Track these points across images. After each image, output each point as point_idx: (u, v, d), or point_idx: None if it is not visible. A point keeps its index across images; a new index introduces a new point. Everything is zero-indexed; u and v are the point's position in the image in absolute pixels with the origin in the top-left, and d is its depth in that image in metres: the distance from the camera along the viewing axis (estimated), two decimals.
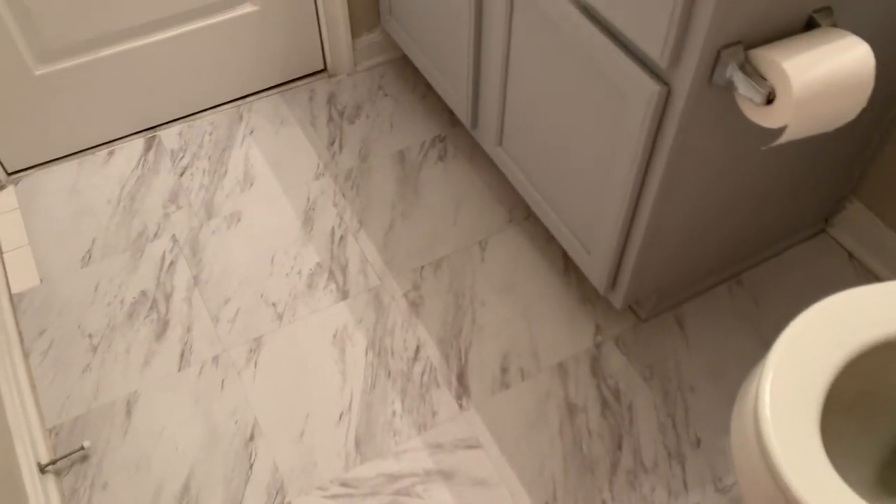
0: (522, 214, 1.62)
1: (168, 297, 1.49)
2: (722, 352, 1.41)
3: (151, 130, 1.79)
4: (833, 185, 1.44)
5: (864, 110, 1.29)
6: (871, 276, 1.50)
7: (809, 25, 1.01)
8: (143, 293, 1.50)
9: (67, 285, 1.51)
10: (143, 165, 1.72)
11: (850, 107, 0.98)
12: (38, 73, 1.58)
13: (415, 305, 1.47)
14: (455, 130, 1.78)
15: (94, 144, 1.75)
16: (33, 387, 1.37)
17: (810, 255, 1.54)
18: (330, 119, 1.81)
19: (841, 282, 1.50)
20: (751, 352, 1.41)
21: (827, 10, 1.00)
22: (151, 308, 1.47)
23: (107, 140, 1.76)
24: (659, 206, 1.16)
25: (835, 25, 1.00)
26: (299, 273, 1.53)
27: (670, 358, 1.40)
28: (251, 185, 1.68)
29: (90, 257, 1.55)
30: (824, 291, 1.48)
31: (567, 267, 1.53)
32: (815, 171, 1.35)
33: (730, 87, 0.98)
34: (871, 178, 1.45)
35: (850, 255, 1.53)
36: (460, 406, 1.35)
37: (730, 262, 1.46)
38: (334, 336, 1.43)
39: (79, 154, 1.74)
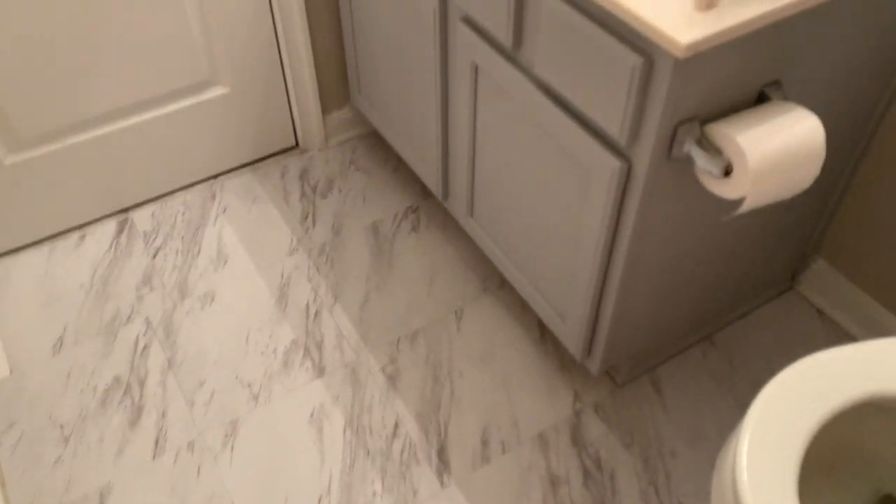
0: (497, 283, 1.64)
1: (142, 382, 1.47)
2: (700, 414, 1.41)
3: (124, 212, 1.79)
4: (796, 243, 1.47)
5: (819, 174, 1.33)
6: (840, 333, 1.53)
7: (761, 99, 1.05)
8: (117, 379, 1.48)
9: (38, 375, 1.49)
10: (115, 248, 1.71)
11: (805, 176, 1.01)
12: (7, 162, 1.59)
13: (392, 380, 1.47)
14: (427, 201, 1.81)
15: (65, 229, 1.74)
16: (2, 483, 1.34)
17: (780, 312, 1.56)
18: (303, 194, 1.83)
19: (812, 339, 1.52)
20: (728, 413, 1.41)
21: (777, 84, 1.05)
22: (125, 394, 1.45)
23: (78, 224, 1.76)
24: (628, 273, 1.18)
25: (785, 99, 1.04)
26: (274, 351, 1.52)
27: (649, 423, 1.40)
28: (225, 263, 1.68)
29: (62, 345, 1.53)
30: (797, 349, 1.50)
31: (543, 334, 1.54)
32: (778, 231, 1.39)
33: (689, 160, 1.01)
34: (832, 235, 1.49)
35: (819, 311, 1.56)
36: (441, 483, 1.33)
37: (701, 323, 1.48)
38: (311, 415, 1.42)
39: (50, 239, 1.73)
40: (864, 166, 1.37)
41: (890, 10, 1.09)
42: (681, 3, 0.91)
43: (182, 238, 1.73)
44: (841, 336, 1.52)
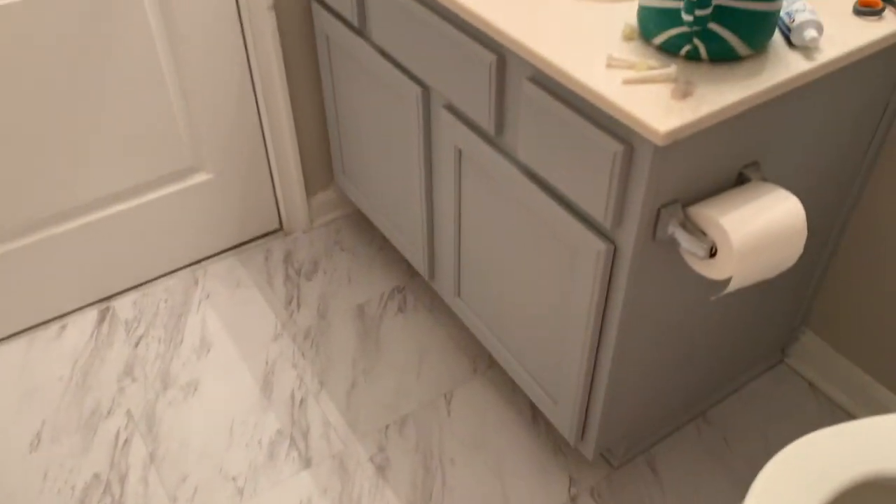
0: (486, 364, 1.62)
1: (123, 479, 1.42)
2: (698, 494, 1.38)
3: (105, 301, 1.77)
4: (784, 317, 1.47)
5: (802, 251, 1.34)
6: (833, 405, 1.51)
7: (740, 180, 1.07)
8: (96, 476, 1.42)
9: (14, 474, 1.43)
10: (96, 338, 1.68)
11: (789, 255, 1.02)
12: None
13: (381, 469, 1.43)
14: (414, 281, 1.80)
15: (45, 319, 1.71)
16: None
17: (772, 386, 1.55)
18: (287, 277, 1.82)
19: (805, 412, 1.50)
20: (726, 492, 1.38)
21: (755, 165, 1.06)
22: (105, 492, 1.40)
23: (59, 314, 1.73)
24: (619, 354, 1.16)
25: (764, 179, 1.06)
26: (259, 442, 1.48)
27: None
28: (208, 351, 1.65)
29: (39, 441, 1.49)
30: (790, 423, 1.48)
31: (535, 416, 1.52)
32: (766, 306, 1.39)
33: (673, 242, 1.02)
34: (818, 308, 1.49)
35: (811, 384, 1.55)
36: None
37: (694, 400, 1.46)
38: None
39: (29, 330, 1.70)
40: (846, 239, 1.39)
41: (861, 92, 1.12)
42: (657, 93, 0.93)
43: (164, 326, 1.70)
44: (833, 409, 1.51)
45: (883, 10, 1.05)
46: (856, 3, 1.06)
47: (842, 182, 1.27)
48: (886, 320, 1.38)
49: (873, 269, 1.36)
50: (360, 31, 1.46)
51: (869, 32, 1.02)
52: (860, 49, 1.00)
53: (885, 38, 1.02)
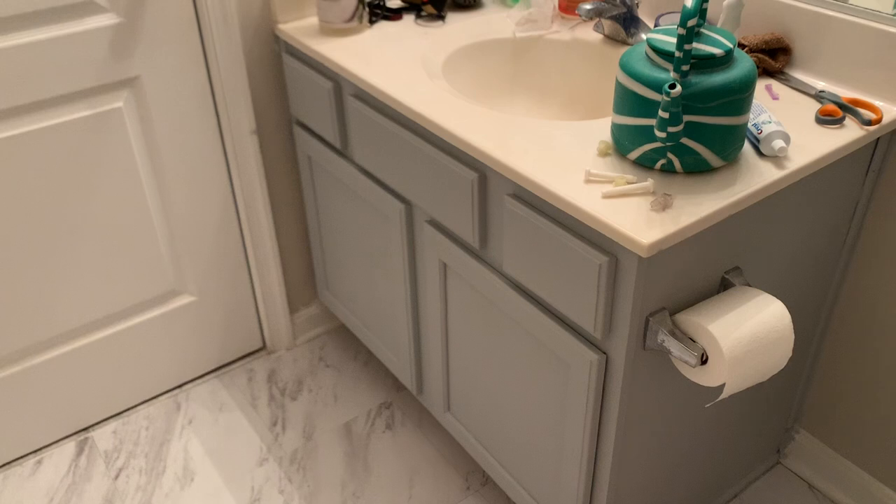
0: (480, 480, 1.57)
1: None
2: None
3: (83, 432, 1.71)
4: (777, 417, 1.46)
5: None
6: None
7: (724, 285, 1.08)
8: None
9: None
10: (74, 472, 1.61)
11: (779, 359, 1.02)
12: None
13: None
14: (401, 395, 1.77)
15: (20, 455, 1.65)
16: None
17: (771, 489, 1.52)
18: (271, 398, 1.78)
19: None
20: None
21: (737, 270, 1.08)
22: None
23: (34, 448, 1.66)
24: (617, 463, 1.14)
25: (746, 283, 1.08)
26: None
27: None
28: (192, 480, 1.59)
29: None
30: None
31: None
32: (759, 407, 1.38)
33: (664, 350, 1.02)
34: (810, 406, 1.49)
35: (809, 485, 1.52)
36: None
37: None
38: None
39: (3, 467, 1.63)
40: (830, 336, 1.40)
41: (830, 194, 1.16)
42: (637, 205, 0.95)
43: (146, 455, 1.64)
44: None
45: (843, 118, 1.10)
46: (817, 112, 1.11)
47: (821, 281, 1.29)
48: (876, 415, 1.37)
49: (859, 364, 1.37)
50: (342, 152, 1.50)
51: (833, 140, 1.07)
52: (826, 156, 1.05)
53: (848, 145, 1.07)
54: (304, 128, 1.61)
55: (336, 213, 1.62)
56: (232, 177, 1.67)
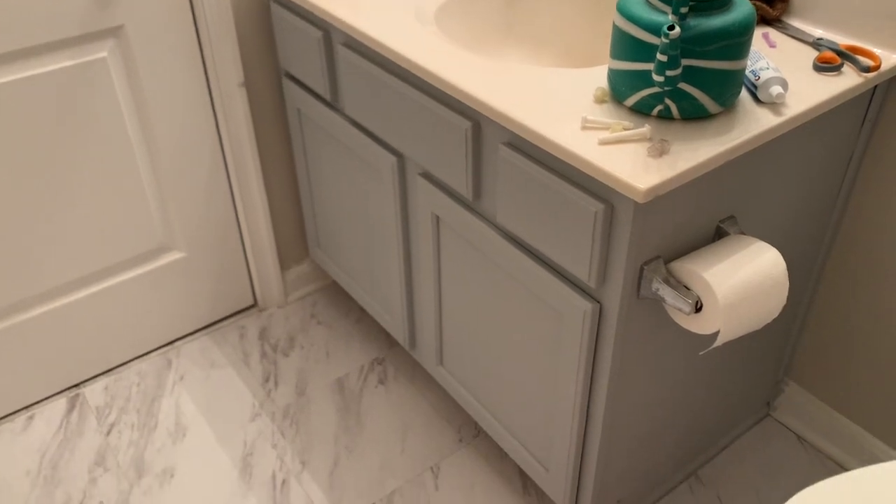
0: (472, 432, 1.58)
1: None
2: None
3: (75, 388, 1.70)
4: (768, 369, 1.47)
5: None
6: (822, 457, 1.50)
7: (718, 234, 1.08)
8: None
9: None
10: (65, 428, 1.61)
11: (773, 306, 1.02)
12: None
13: None
14: (393, 351, 1.77)
15: (11, 411, 1.64)
16: None
17: (760, 441, 1.53)
18: (263, 355, 1.77)
19: (795, 464, 1.49)
20: None
21: (731, 219, 1.08)
22: None
23: (25, 405, 1.66)
24: (610, 414, 1.15)
25: (741, 232, 1.07)
26: None
27: None
28: (184, 435, 1.59)
29: None
30: (781, 477, 1.47)
31: (526, 484, 1.48)
32: (750, 359, 1.39)
33: (658, 298, 1.02)
34: (800, 359, 1.50)
35: (798, 436, 1.54)
36: None
37: (685, 459, 1.44)
38: None
39: None
40: (822, 289, 1.41)
41: (826, 143, 1.15)
42: (634, 152, 0.94)
43: (137, 411, 1.64)
44: (823, 460, 1.49)
45: (841, 65, 1.09)
46: (815, 60, 1.09)
47: (815, 231, 1.29)
48: (868, 368, 1.38)
49: (850, 317, 1.38)
50: (333, 105, 1.47)
51: (830, 87, 1.06)
52: (824, 103, 1.04)
53: (845, 92, 1.06)
54: (294, 80, 1.58)
55: (327, 168, 1.60)
56: (220, 131, 1.64)
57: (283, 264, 1.88)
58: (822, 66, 1.09)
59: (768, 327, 1.37)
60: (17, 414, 1.65)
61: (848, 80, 1.07)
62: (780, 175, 1.11)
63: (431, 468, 1.51)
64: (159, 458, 1.54)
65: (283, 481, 1.49)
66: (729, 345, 1.30)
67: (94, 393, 1.69)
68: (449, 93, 1.11)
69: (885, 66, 1.10)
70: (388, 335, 1.82)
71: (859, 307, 1.36)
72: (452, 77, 1.11)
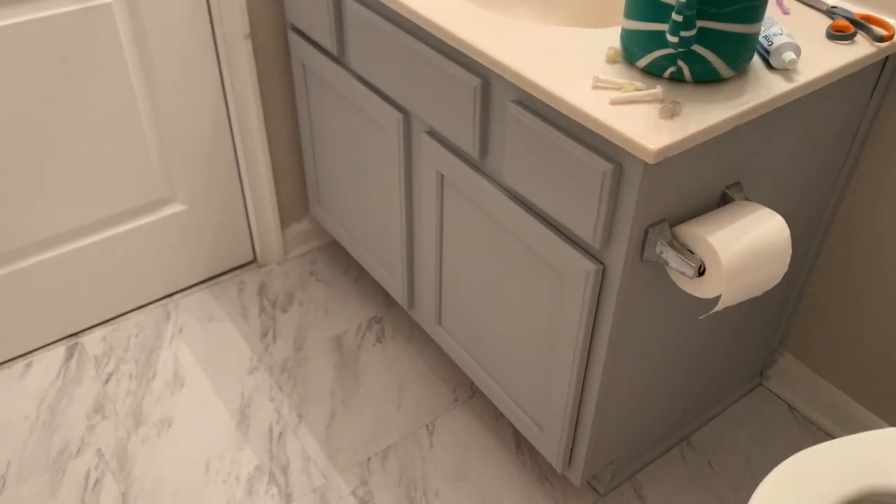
0: (468, 392, 1.59)
1: None
2: None
3: (73, 337, 1.71)
4: (763, 339, 1.48)
5: None
6: (812, 427, 1.52)
7: (724, 200, 1.08)
8: None
9: None
10: (63, 375, 1.62)
11: (775, 273, 1.03)
12: None
13: (364, 503, 1.39)
14: (392, 311, 1.78)
15: (9, 357, 1.65)
16: None
17: (752, 409, 1.55)
18: (262, 310, 1.78)
19: (786, 434, 1.51)
20: None
21: (737, 185, 1.08)
22: None
23: (24, 351, 1.66)
24: (608, 376, 1.16)
25: (746, 199, 1.07)
26: (237, 479, 1.43)
27: None
28: (182, 386, 1.60)
29: (4, 483, 1.41)
30: (772, 446, 1.49)
31: (520, 445, 1.49)
32: (746, 327, 1.40)
33: (662, 261, 1.02)
34: (795, 330, 1.51)
35: (790, 406, 1.56)
36: None
37: (678, 425, 1.46)
38: None
39: None
40: (820, 260, 1.41)
41: (835, 113, 1.15)
42: (645, 112, 0.94)
43: (136, 362, 1.65)
44: (813, 430, 1.51)
45: (855, 34, 1.08)
46: (828, 28, 1.09)
47: (818, 202, 1.29)
48: (862, 340, 1.40)
49: (848, 289, 1.39)
50: (339, 59, 1.46)
51: (843, 55, 1.05)
52: (836, 71, 1.03)
53: (858, 61, 1.05)
54: (300, 33, 1.56)
55: (330, 125, 1.59)
56: (224, 83, 1.63)
57: (284, 221, 1.87)
58: (836, 35, 1.08)
59: (766, 297, 1.38)
60: (15, 360, 1.65)
61: (860, 49, 1.07)
62: (788, 143, 1.11)
63: (427, 426, 1.53)
64: (157, 408, 1.55)
65: (280, 434, 1.51)
66: (726, 313, 1.31)
67: (92, 342, 1.70)
68: (459, 48, 1.10)
69: None
70: (386, 294, 1.82)
71: (858, 280, 1.37)
72: (463, 33, 1.10)
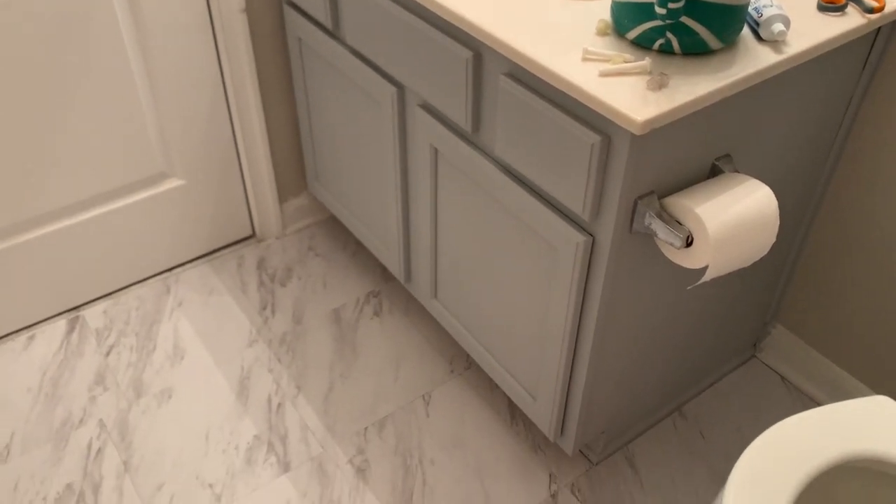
0: (464, 364, 1.62)
1: (96, 488, 1.39)
2: (676, 488, 1.39)
3: (74, 310, 1.73)
4: (755, 312, 1.50)
5: (773, 243, 1.37)
6: (805, 398, 1.54)
7: (713, 172, 1.09)
8: (69, 486, 1.39)
9: None
10: (65, 348, 1.65)
11: (762, 244, 1.04)
12: None
13: (361, 472, 1.42)
14: (389, 285, 1.80)
15: (12, 330, 1.67)
16: None
17: (745, 381, 1.57)
18: (261, 284, 1.80)
19: (778, 406, 1.53)
20: (704, 485, 1.40)
21: (727, 157, 1.09)
22: (78, 502, 1.37)
23: (26, 325, 1.69)
24: (598, 347, 1.18)
25: (736, 171, 1.08)
26: (236, 448, 1.46)
27: (626, 500, 1.38)
28: (182, 358, 1.62)
29: (9, 453, 1.45)
30: (764, 417, 1.51)
31: (514, 415, 1.52)
32: (738, 300, 1.41)
33: (650, 233, 1.04)
34: (788, 302, 1.53)
35: (783, 378, 1.58)
36: None
37: (670, 395, 1.48)
38: None
39: None
40: (813, 233, 1.42)
41: (826, 85, 1.15)
42: (633, 84, 0.94)
43: (136, 334, 1.68)
44: (805, 401, 1.53)
45: (845, 6, 1.08)
46: (819, 0, 1.09)
47: (809, 175, 1.30)
48: (855, 312, 1.41)
49: (840, 262, 1.40)
50: (333, 33, 1.46)
51: (833, 27, 1.05)
52: (826, 42, 1.03)
53: (848, 33, 1.06)
54: (295, 7, 1.56)
55: (326, 100, 1.59)
56: (221, 58, 1.63)
57: (282, 196, 1.89)
58: (826, 6, 1.08)
59: (758, 269, 1.39)
60: (18, 333, 1.68)
61: (851, 20, 1.07)
62: (778, 115, 1.12)
63: (423, 397, 1.55)
64: (158, 379, 1.58)
65: (279, 404, 1.53)
66: (718, 284, 1.32)
67: (93, 315, 1.72)
68: (451, 21, 1.11)
69: (889, 7, 1.09)
70: (383, 269, 1.84)
71: (850, 252, 1.38)
72: (455, 5, 1.10)
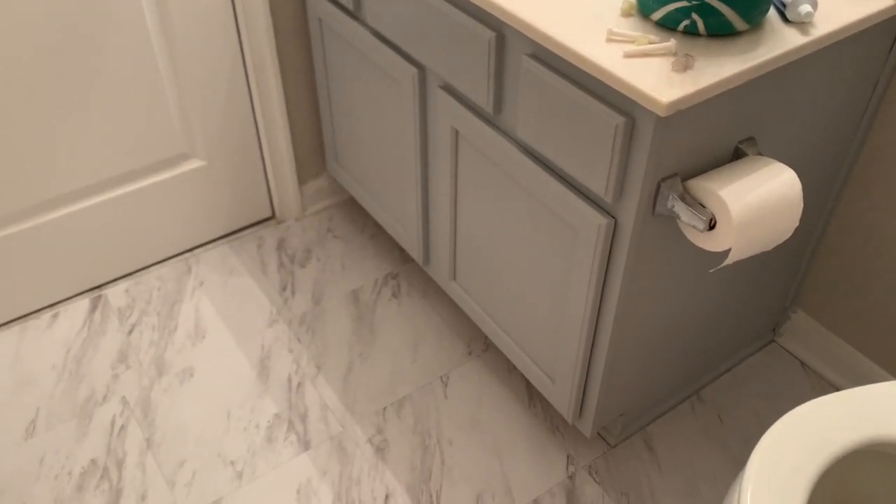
0: (481, 346, 1.62)
1: (120, 464, 1.41)
2: (693, 471, 1.40)
3: (97, 290, 1.75)
4: (776, 296, 1.49)
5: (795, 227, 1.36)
6: (824, 383, 1.54)
7: (737, 155, 1.08)
8: (93, 462, 1.42)
9: (10, 461, 1.42)
10: (89, 326, 1.67)
11: (786, 227, 1.04)
12: None
13: (380, 451, 1.43)
14: (407, 267, 1.80)
15: (36, 308, 1.70)
16: None
17: (764, 366, 1.57)
18: (280, 265, 1.81)
19: (797, 390, 1.52)
20: (721, 469, 1.40)
21: (751, 140, 1.08)
22: (102, 477, 1.39)
23: (50, 303, 1.71)
24: (618, 331, 1.18)
25: (759, 154, 1.07)
26: (257, 426, 1.47)
27: (644, 482, 1.38)
28: (203, 338, 1.64)
29: (34, 428, 1.47)
30: (782, 401, 1.51)
31: (532, 397, 1.53)
32: (759, 284, 1.41)
33: (673, 215, 1.03)
34: (809, 287, 1.52)
35: (802, 363, 1.57)
36: None
37: (689, 379, 1.48)
38: (298, 492, 1.37)
39: (20, 319, 1.68)
40: (835, 218, 1.41)
41: (852, 68, 1.14)
42: (658, 66, 0.94)
43: (158, 314, 1.69)
44: (825, 386, 1.53)
45: None
46: None
47: (833, 159, 1.29)
48: (876, 298, 1.40)
49: (863, 246, 1.39)
50: (354, 14, 1.46)
51: (861, 8, 1.04)
52: (853, 24, 1.02)
53: (876, 14, 1.04)
54: None
55: (346, 81, 1.59)
56: (241, 39, 1.63)
57: (301, 178, 1.89)
58: None
59: (779, 253, 1.38)
60: (42, 311, 1.70)
61: (879, 2, 1.05)
62: (803, 98, 1.11)
63: (441, 378, 1.56)
64: (179, 358, 1.60)
65: (299, 384, 1.55)
66: (739, 268, 1.32)
67: (115, 295, 1.74)
68: (474, 1, 1.10)
69: None
70: (402, 251, 1.85)
71: (872, 237, 1.37)
72: None
